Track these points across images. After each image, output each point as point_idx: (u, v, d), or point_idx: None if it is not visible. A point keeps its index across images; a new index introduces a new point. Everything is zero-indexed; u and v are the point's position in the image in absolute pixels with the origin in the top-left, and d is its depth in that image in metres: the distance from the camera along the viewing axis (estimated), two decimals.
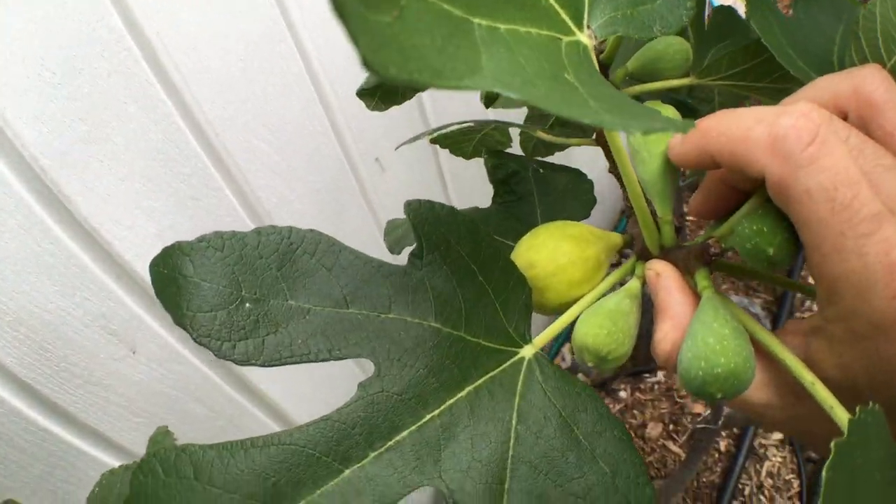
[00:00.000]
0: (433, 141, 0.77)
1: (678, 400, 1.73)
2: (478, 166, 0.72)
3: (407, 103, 1.22)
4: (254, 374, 1.09)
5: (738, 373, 0.36)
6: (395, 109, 1.20)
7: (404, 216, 0.44)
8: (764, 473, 1.62)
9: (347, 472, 0.39)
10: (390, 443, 0.40)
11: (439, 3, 0.23)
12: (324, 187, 1.11)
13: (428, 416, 0.41)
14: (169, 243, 0.41)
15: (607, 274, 0.50)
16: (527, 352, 0.45)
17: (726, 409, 1.21)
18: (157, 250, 0.41)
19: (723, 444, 1.64)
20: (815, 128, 0.33)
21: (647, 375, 1.79)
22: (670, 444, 1.66)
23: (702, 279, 0.43)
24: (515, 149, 0.76)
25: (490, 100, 0.73)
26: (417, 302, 0.42)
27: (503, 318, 0.44)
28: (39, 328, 0.78)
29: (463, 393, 0.42)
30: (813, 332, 0.37)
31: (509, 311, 0.44)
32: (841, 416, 0.34)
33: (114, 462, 0.90)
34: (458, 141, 0.78)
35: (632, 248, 0.52)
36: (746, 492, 1.59)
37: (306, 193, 1.08)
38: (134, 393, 0.91)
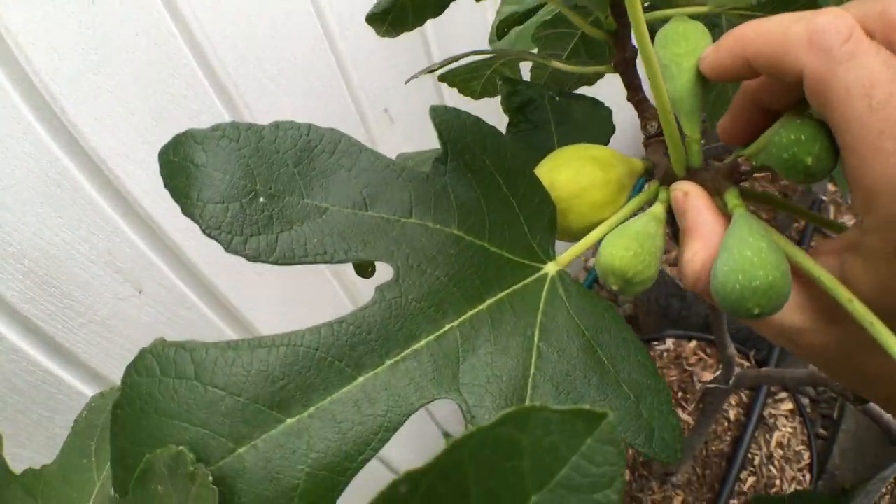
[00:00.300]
0: (441, 79, 0.75)
1: (687, 368, 1.71)
2: (488, 117, 0.70)
3: (415, 53, 1.21)
4: (261, 321, 1.07)
5: (776, 286, 0.35)
6: (403, 60, 1.19)
7: (414, 150, 0.42)
8: (774, 443, 1.60)
9: (361, 378, 0.37)
10: (407, 351, 0.38)
11: None
12: None
13: (448, 326, 0.39)
14: None
15: (629, 199, 0.48)
16: (550, 268, 0.43)
17: (737, 370, 1.20)
18: (164, 188, 0.39)
19: (732, 413, 1.63)
20: (852, 26, 0.32)
21: (655, 343, 1.77)
22: (679, 412, 1.64)
23: (732, 198, 0.41)
24: None
25: (502, 32, 0.70)
26: (440, 208, 0.41)
27: (527, 232, 0.42)
28: (43, 262, 0.76)
29: (484, 305, 0.40)
30: (848, 249, 0.36)
31: (534, 227, 0.42)
32: (881, 332, 0.32)
33: None
34: (467, 79, 0.76)
35: (652, 176, 0.50)
36: (756, 461, 1.57)
37: None
38: (139, 335, 0.89)
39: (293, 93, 1.00)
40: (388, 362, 0.37)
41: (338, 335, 0.36)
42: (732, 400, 1.63)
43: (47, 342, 0.79)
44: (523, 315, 0.41)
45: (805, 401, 1.67)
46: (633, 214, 0.47)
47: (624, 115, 0.56)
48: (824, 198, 1.97)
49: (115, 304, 0.85)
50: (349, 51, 1.07)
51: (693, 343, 1.75)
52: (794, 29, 0.34)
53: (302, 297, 1.15)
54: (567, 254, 0.43)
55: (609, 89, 0.73)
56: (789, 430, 1.61)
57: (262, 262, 0.36)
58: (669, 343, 1.76)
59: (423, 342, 0.38)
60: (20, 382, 0.78)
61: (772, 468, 1.56)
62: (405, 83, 0.78)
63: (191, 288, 0.94)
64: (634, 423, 0.41)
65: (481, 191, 0.41)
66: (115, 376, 0.88)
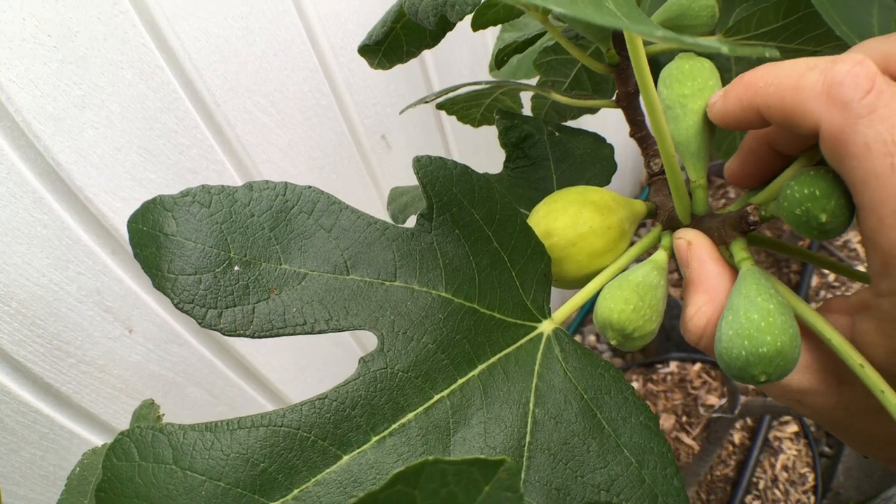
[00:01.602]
0: (440, 107, 0.73)
1: (691, 391, 1.69)
2: (487, 148, 0.68)
3: (414, 79, 1.20)
4: (255, 357, 1.05)
5: (784, 352, 0.33)
6: (401, 86, 1.17)
7: (409, 184, 0.39)
8: (779, 467, 1.59)
9: (346, 458, 0.35)
10: (394, 426, 0.36)
11: None
12: (328, 164, 1.08)
13: (437, 397, 0.37)
14: None
15: (630, 245, 0.46)
16: (545, 327, 0.41)
17: (743, 398, 1.18)
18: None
19: (737, 437, 1.61)
20: (872, 76, 0.30)
21: (659, 366, 1.75)
22: (683, 437, 1.63)
23: (739, 250, 0.39)
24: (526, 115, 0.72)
25: (501, 62, 0.69)
26: (426, 269, 0.38)
27: (520, 288, 0.40)
28: (31, 303, 0.74)
29: (475, 371, 0.38)
30: (861, 310, 0.34)
31: (526, 282, 0.40)
32: (892, 401, 0.31)
33: None
34: (466, 107, 0.74)
35: (655, 218, 0.48)
36: (761, 485, 1.56)
37: (309, 170, 1.05)
38: (130, 374, 0.87)
39: (286, 123, 0.98)
40: (375, 438, 0.35)
41: (320, 412, 0.34)
42: (738, 424, 1.62)
43: (37, 383, 0.78)
44: (517, 380, 0.38)
45: (810, 420, 1.65)
46: (635, 261, 0.45)
47: (624, 145, 0.54)
48: None
49: (105, 344, 0.83)
50: (345, 78, 1.05)
51: (697, 365, 1.73)
52: (808, 79, 0.31)
53: None
54: (562, 309, 0.41)
55: (613, 117, 0.71)
56: (794, 452, 1.60)
57: (240, 335, 0.35)
58: (673, 366, 1.75)
59: (411, 415, 0.36)
60: (12, 423, 0.77)
61: (776, 492, 1.55)
62: (399, 114, 0.76)
63: (182, 324, 0.92)
64: (637, 489, 0.38)
65: (469, 246, 0.39)
66: (107, 416, 0.86)
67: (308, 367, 1.17)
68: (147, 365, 0.89)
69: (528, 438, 0.38)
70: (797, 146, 0.37)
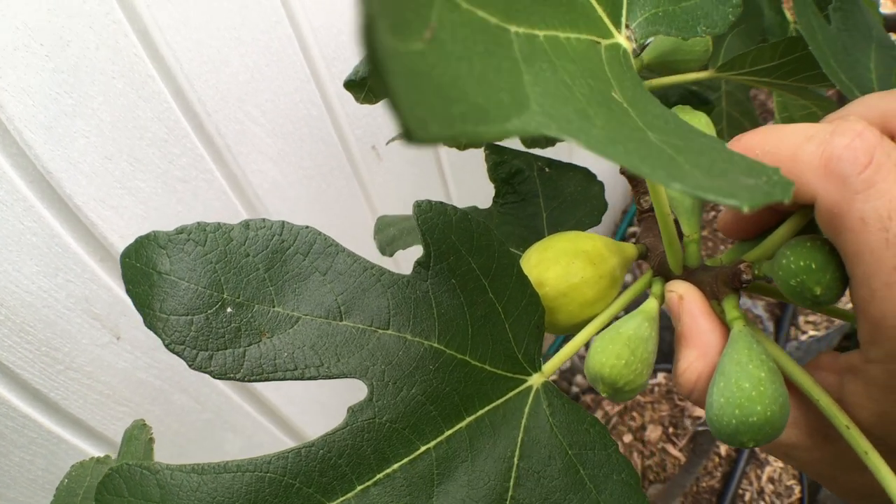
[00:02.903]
0: None
1: (678, 402, 1.70)
2: (479, 158, 0.67)
3: None
4: None
5: (773, 421, 0.33)
6: None
7: (396, 213, 0.39)
8: (765, 479, 1.59)
9: None
10: (379, 476, 0.36)
11: (473, 11, 0.19)
12: (318, 174, 1.07)
13: (423, 448, 0.37)
14: (155, 226, 0.36)
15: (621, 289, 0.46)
16: (535, 380, 0.40)
17: None
18: (142, 233, 0.37)
19: (723, 449, 1.62)
20: (871, 149, 0.30)
21: None
22: (670, 448, 1.64)
23: (731, 309, 0.39)
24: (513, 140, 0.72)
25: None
26: (420, 318, 0.38)
27: (512, 341, 0.40)
28: (20, 309, 0.74)
29: (463, 424, 0.38)
30: (849, 372, 0.34)
31: (519, 334, 0.40)
32: (876, 462, 0.32)
33: (96, 452, 0.87)
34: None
35: (646, 260, 0.48)
36: (747, 497, 1.56)
37: (299, 180, 1.04)
38: (117, 381, 0.87)
39: (277, 133, 0.98)
40: (359, 487, 0.35)
41: (306, 460, 0.34)
42: None
43: (26, 388, 0.78)
44: (504, 433, 0.38)
45: None
46: (627, 305, 0.45)
47: (611, 176, 0.53)
48: None
49: (92, 351, 0.83)
50: (336, 89, 1.05)
51: None
52: (806, 150, 0.31)
53: None
54: (552, 362, 0.41)
55: None
56: (780, 464, 1.61)
57: (229, 379, 0.35)
58: (661, 377, 1.75)
59: (396, 466, 0.36)
60: (1, 427, 0.77)
61: (762, 503, 1.56)
62: (386, 144, 0.76)
63: None
64: None
65: (465, 297, 0.39)
66: (94, 422, 0.86)
67: None
68: (134, 372, 0.89)
69: (510, 493, 0.38)
70: (791, 205, 0.37)
